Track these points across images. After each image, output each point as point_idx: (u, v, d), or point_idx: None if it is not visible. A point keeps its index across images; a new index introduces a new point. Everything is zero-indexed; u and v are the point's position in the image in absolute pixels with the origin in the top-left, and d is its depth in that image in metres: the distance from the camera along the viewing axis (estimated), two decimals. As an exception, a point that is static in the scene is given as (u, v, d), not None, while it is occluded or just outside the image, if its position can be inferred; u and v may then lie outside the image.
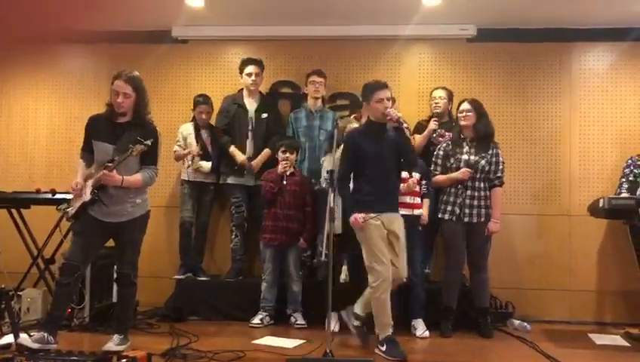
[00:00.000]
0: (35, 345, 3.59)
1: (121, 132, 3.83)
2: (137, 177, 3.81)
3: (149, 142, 3.68)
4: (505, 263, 5.26)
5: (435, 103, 5.11)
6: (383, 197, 4.02)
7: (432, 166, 4.67)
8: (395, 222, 4.06)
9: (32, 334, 4.01)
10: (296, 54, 5.73)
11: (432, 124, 5.01)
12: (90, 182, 3.83)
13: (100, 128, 3.88)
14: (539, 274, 5.38)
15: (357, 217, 3.93)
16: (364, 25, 5.53)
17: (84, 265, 3.89)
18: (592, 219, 5.05)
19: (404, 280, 4.08)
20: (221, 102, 5.35)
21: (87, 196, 3.81)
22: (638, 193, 4.73)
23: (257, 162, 5.16)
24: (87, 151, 3.93)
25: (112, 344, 3.82)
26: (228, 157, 5.24)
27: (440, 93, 5.14)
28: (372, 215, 3.94)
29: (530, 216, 5.43)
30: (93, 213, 3.82)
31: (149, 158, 3.85)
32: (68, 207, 3.95)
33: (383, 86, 4.07)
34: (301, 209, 4.87)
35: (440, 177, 4.63)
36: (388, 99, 4.05)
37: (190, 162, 5.16)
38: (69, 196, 4.75)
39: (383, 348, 3.84)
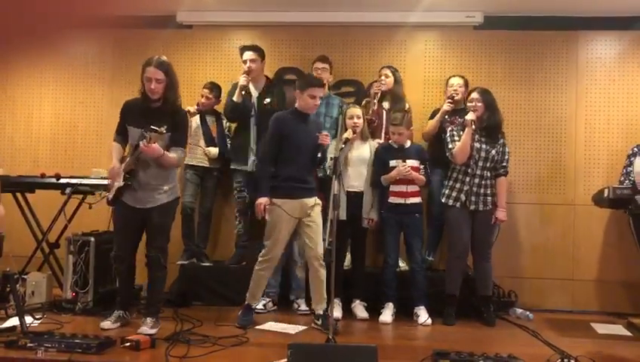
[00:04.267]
0: (116, 324, 3.99)
1: (153, 117, 3.85)
2: (173, 155, 3.90)
3: (163, 130, 3.71)
4: (508, 252, 5.26)
5: (454, 91, 5.02)
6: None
7: (450, 143, 4.55)
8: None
9: (37, 316, 4.06)
10: (302, 40, 5.69)
11: (446, 106, 4.96)
12: (122, 167, 3.93)
13: (133, 113, 3.96)
14: (542, 264, 5.38)
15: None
16: (370, 11, 5.48)
17: (129, 253, 4.06)
18: (596, 209, 5.05)
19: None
20: (230, 87, 5.26)
21: (120, 181, 3.91)
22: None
23: None
24: (121, 135, 4.03)
25: (146, 327, 3.86)
26: (233, 143, 5.26)
27: (458, 81, 5.08)
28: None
29: (534, 205, 5.42)
30: (125, 199, 3.93)
31: (179, 140, 3.96)
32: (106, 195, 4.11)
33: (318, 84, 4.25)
34: None
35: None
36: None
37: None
38: (74, 181, 4.81)
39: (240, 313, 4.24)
